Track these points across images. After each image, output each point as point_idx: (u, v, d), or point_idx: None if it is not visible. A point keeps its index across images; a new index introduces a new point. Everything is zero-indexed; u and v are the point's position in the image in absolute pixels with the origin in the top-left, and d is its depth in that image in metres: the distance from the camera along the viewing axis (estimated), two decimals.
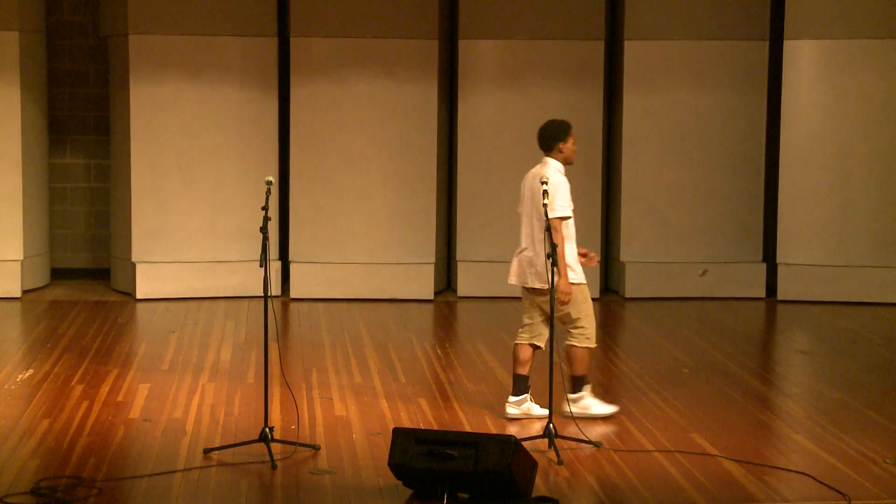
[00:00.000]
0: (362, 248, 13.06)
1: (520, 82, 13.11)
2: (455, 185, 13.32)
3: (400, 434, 6.91)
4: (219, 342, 10.86)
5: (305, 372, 9.78)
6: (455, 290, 13.27)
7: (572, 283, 8.19)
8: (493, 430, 8.14)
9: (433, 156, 13.08)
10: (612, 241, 13.45)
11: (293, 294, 12.94)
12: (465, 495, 6.82)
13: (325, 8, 12.88)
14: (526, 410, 8.43)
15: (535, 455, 7.10)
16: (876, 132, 12.72)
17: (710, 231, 13.16)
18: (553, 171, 8.27)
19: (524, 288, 8.48)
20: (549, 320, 8.05)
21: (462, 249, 13.26)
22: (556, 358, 7.97)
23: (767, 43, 13.09)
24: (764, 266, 13.16)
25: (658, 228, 13.19)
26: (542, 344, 8.39)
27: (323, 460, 7.55)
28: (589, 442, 7.85)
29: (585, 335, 8.40)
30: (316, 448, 7.73)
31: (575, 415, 8.25)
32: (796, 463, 7.54)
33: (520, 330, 8.54)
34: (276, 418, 8.30)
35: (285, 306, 12.66)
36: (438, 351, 10.68)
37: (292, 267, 13.03)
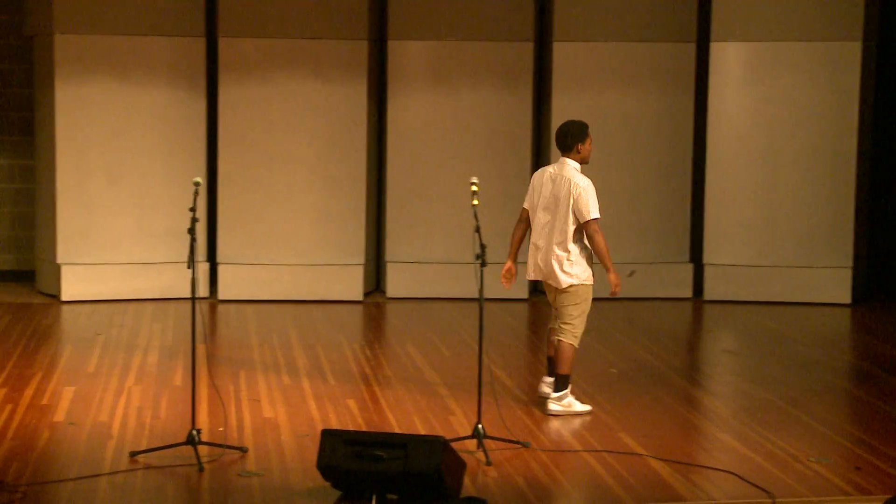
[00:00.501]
0: (291, 250, 13.01)
1: (449, 83, 13.12)
2: (385, 186, 13.31)
3: (329, 435, 6.89)
4: (146, 344, 10.77)
5: (233, 374, 9.72)
6: (384, 292, 13.25)
7: (584, 284, 8.51)
8: (422, 432, 8.14)
9: (362, 156, 13.06)
10: None
11: (221, 296, 12.86)
12: (394, 496, 6.81)
13: (254, 8, 12.82)
14: (567, 405, 8.62)
15: (463, 456, 7.11)
16: (801, 134, 12.86)
17: (637, 232, 13.25)
18: (577, 173, 8.51)
19: (546, 283, 8.70)
20: (480, 320, 8.06)
21: (391, 250, 13.25)
22: (485, 359, 7.98)
23: (694, 45, 13.20)
24: (691, 266, 13.27)
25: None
26: (559, 337, 8.63)
27: (251, 462, 7.51)
28: (517, 442, 7.87)
29: (574, 333, 8.59)
30: (244, 450, 7.68)
31: (557, 413, 8.52)
32: (722, 462, 7.60)
33: (550, 325, 8.78)
34: (203, 421, 8.25)
35: (213, 308, 12.58)
36: (368, 352, 10.66)
37: (220, 268, 12.95)
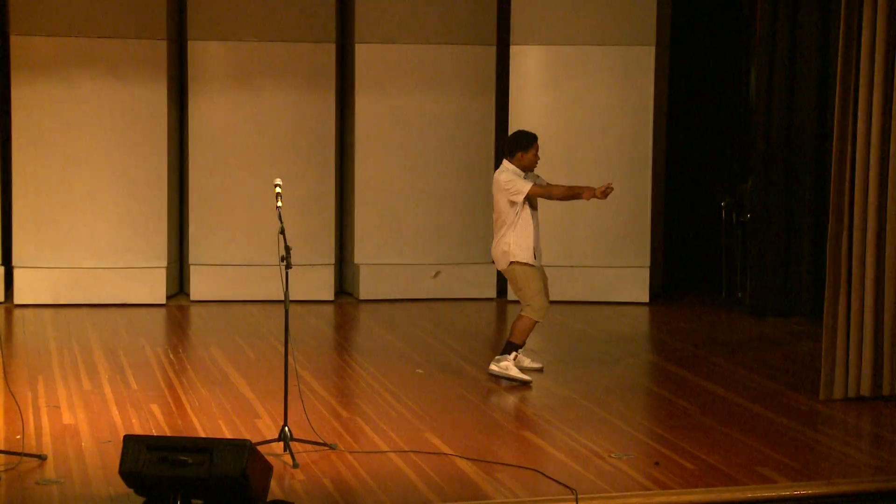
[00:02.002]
0: (90, 252, 12.74)
1: (251, 84, 13.02)
2: (187, 188, 13.13)
3: (131, 441, 6.76)
4: None
5: (31, 380, 9.47)
6: (188, 294, 13.08)
7: (520, 263, 9.62)
8: (229, 436, 8.06)
9: (163, 158, 12.87)
10: (346, 243, 13.49)
11: (17, 300, 12.52)
12: (200, 501, 6.73)
13: (46, 6, 12.50)
14: (504, 369, 9.71)
15: (270, 458, 7.06)
16: (598, 136, 13.11)
17: (442, 233, 13.34)
18: (506, 170, 9.65)
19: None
20: (286, 322, 8.00)
21: (194, 253, 13.08)
22: (290, 360, 7.94)
23: (495, 48, 13.36)
24: (494, 267, 13.40)
25: (392, 231, 13.30)
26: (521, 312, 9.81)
27: (50, 470, 7.33)
28: (324, 444, 7.86)
29: (534, 308, 9.68)
30: (42, 458, 7.50)
31: (494, 373, 9.68)
32: (526, 459, 7.71)
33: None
34: None
35: (9, 312, 12.24)
36: (171, 356, 10.51)
37: (16, 272, 12.61)
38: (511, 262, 9.67)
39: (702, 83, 14.20)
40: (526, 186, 9.56)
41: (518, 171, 9.65)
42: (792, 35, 12.35)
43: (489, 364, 9.80)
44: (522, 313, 9.74)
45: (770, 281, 12.47)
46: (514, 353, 9.74)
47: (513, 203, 9.59)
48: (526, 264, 9.67)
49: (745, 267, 13.00)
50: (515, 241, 9.63)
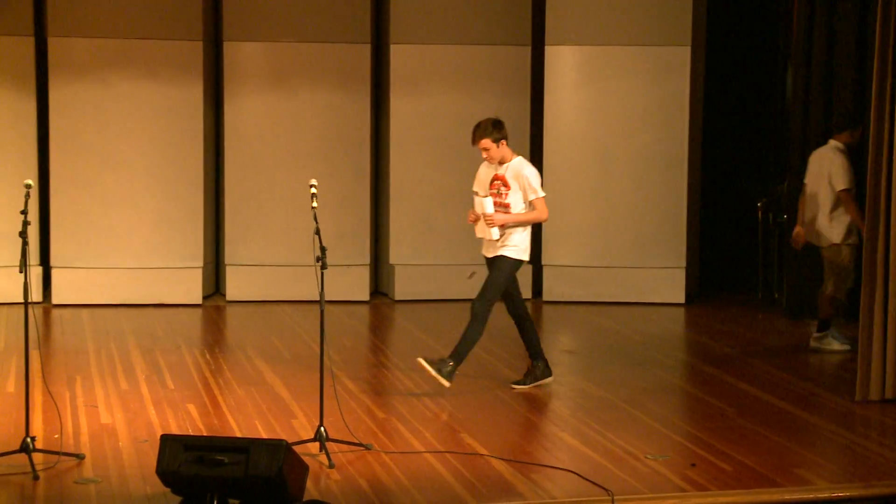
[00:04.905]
0: (128, 253, 12.81)
1: (287, 85, 13.05)
2: (222, 188, 13.18)
3: (168, 440, 6.79)
4: None
5: (69, 380, 9.53)
6: (224, 295, 13.13)
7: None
8: (264, 435, 8.08)
9: (199, 158, 12.92)
10: (382, 244, 13.51)
11: (55, 300, 12.60)
12: (236, 501, 6.75)
13: (84, 8, 12.58)
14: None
15: (306, 459, 7.07)
16: (634, 137, 13.09)
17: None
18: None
19: None
20: (321, 322, 8.02)
21: (230, 253, 13.13)
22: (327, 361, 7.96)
23: (530, 48, 13.35)
24: (530, 268, 13.40)
25: (427, 231, 13.31)
26: None
27: (88, 469, 7.37)
28: (360, 445, 7.87)
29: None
30: (80, 457, 7.54)
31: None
32: (562, 460, 7.70)
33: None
34: (38, 428, 8.06)
35: (47, 313, 12.32)
36: (207, 356, 10.55)
37: (54, 272, 12.69)
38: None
39: (738, 83, 14.15)
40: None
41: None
42: (829, 33, 12.29)
43: (524, 365, 9.75)
44: None
45: (806, 282, 12.40)
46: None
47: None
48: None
49: (782, 268, 12.95)
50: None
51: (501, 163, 9.37)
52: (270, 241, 13.03)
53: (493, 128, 9.33)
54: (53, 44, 12.62)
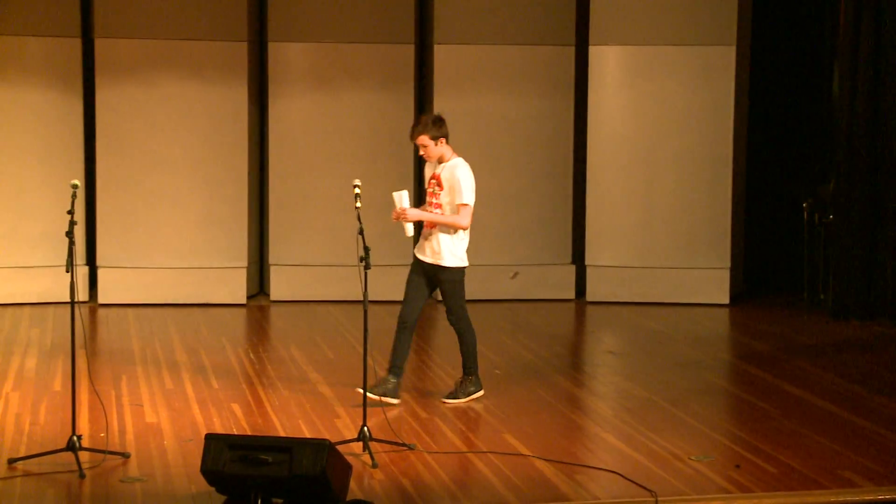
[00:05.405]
0: (172, 253, 12.88)
1: (331, 85, 13.08)
2: (267, 188, 13.23)
3: (213, 440, 6.83)
4: (23, 350, 10.59)
5: (115, 379, 9.59)
6: (268, 294, 13.18)
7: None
8: (308, 435, 8.11)
9: (244, 159, 12.97)
10: None
11: (101, 300, 12.69)
12: (280, 501, 6.78)
13: (130, 9, 12.65)
14: None
15: (349, 458, 7.09)
16: (678, 137, 13.04)
17: (520, 234, 13.33)
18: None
19: None
20: (364, 322, 8.04)
21: (274, 253, 13.17)
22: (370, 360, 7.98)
23: (573, 48, 13.32)
24: (573, 268, 13.39)
25: (470, 231, 13.27)
26: None
27: (133, 468, 7.42)
28: (403, 444, 7.88)
29: None
30: (126, 456, 7.59)
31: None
32: (605, 461, 7.69)
33: None
34: (84, 426, 8.12)
35: (93, 312, 12.40)
36: (251, 355, 10.59)
37: (100, 272, 12.78)
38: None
39: (783, 82, 14.06)
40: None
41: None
42: (876, 32, 12.20)
43: (567, 366, 9.74)
44: None
45: (853, 283, 12.33)
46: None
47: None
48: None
49: (828, 268, 12.86)
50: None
51: (440, 162, 9.13)
52: (314, 241, 13.07)
53: (432, 124, 9.02)
54: (100, 45, 12.71)
